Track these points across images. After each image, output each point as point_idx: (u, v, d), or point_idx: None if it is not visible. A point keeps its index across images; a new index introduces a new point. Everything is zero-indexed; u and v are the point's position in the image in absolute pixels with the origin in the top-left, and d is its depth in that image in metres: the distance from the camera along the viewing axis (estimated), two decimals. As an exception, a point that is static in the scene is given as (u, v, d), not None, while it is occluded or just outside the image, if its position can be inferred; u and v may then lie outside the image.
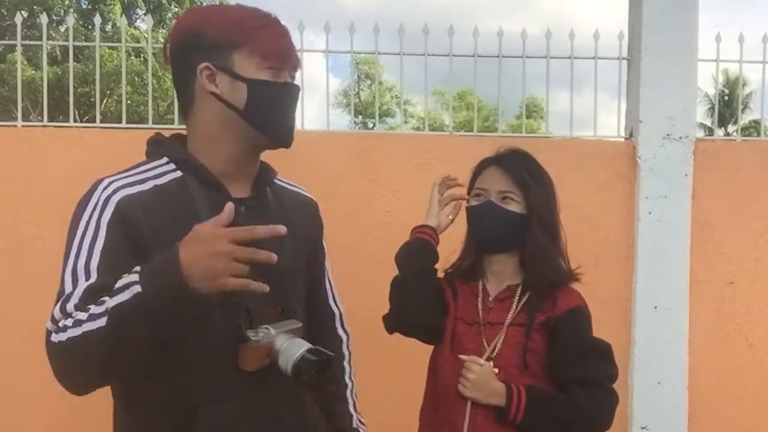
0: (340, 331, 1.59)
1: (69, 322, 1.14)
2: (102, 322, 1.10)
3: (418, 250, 1.77)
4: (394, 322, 1.78)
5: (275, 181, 1.45)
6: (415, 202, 2.71)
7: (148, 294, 1.07)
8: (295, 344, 1.25)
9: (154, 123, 2.78)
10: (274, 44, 1.29)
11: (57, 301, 1.20)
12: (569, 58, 2.84)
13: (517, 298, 1.69)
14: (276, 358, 1.25)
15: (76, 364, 1.15)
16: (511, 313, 1.68)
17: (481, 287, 1.75)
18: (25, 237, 2.57)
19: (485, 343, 1.67)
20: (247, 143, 1.33)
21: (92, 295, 1.16)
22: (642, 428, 2.68)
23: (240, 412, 1.29)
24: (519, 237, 1.68)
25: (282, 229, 1.11)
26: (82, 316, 1.13)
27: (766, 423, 2.80)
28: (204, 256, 1.06)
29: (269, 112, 1.31)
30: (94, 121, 2.75)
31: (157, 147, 1.36)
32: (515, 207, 1.69)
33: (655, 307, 2.73)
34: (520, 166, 1.73)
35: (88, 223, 1.25)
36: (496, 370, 1.62)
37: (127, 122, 2.79)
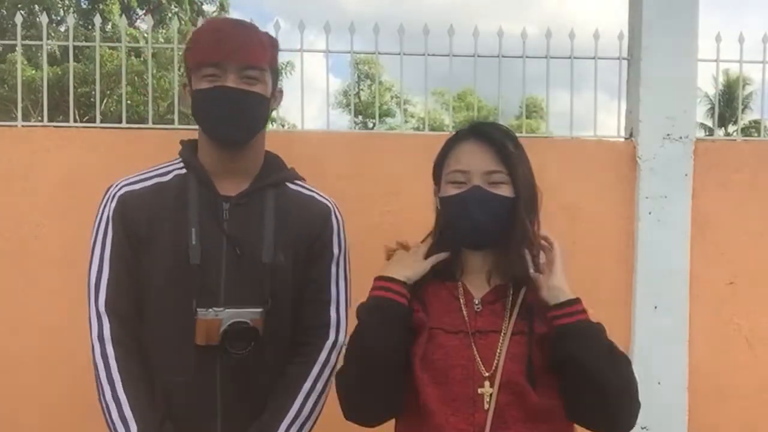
0: (332, 335, 1.58)
1: (98, 351, 1.46)
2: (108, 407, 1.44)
3: (388, 321, 1.37)
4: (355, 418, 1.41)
5: (289, 184, 1.60)
6: (415, 202, 2.70)
7: None
8: (231, 318, 1.43)
9: (154, 123, 2.77)
10: (200, 57, 1.48)
11: (91, 287, 1.49)
12: (569, 58, 2.83)
13: (509, 300, 1.42)
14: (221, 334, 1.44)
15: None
16: (507, 319, 1.40)
17: (461, 288, 1.45)
18: (25, 237, 2.57)
19: (477, 356, 1.36)
20: (207, 143, 1.54)
21: (114, 296, 1.48)
22: (642, 428, 2.68)
23: (192, 385, 1.47)
24: (508, 226, 1.39)
25: None
26: (114, 375, 1.44)
27: (766, 423, 2.80)
28: None
29: (204, 115, 1.51)
30: (94, 121, 2.74)
31: (181, 149, 1.60)
32: (505, 190, 1.40)
33: (655, 307, 2.73)
34: (503, 138, 1.43)
35: (101, 217, 1.52)
36: (491, 391, 1.32)
37: (127, 122, 2.79)
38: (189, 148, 1.59)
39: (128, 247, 1.49)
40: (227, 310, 1.45)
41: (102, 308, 1.46)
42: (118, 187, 1.53)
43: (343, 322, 1.60)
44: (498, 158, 1.40)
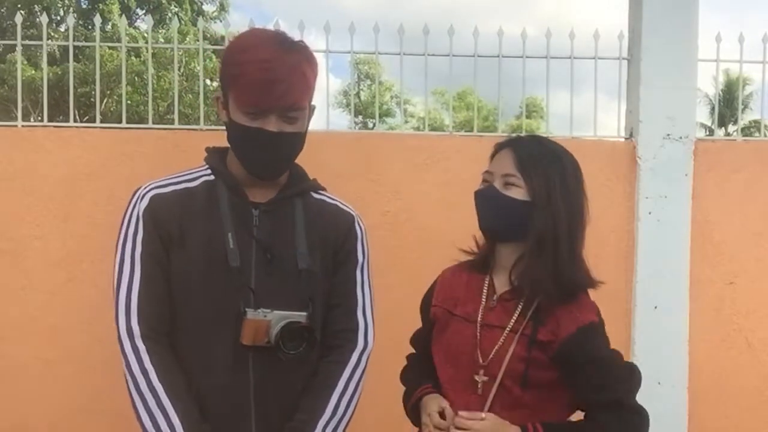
0: (360, 340, 1.60)
1: (127, 346, 1.42)
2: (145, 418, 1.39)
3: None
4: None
5: (313, 194, 1.63)
6: (415, 202, 2.72)
7: None
8: (283, 319, 1.44)
9: (154, 123, 2.78)
10: (250, 93, 1.41)
11: (122, 286, 1.45)
12: (569, 58, 2.84)
13: (522, 302, 1.51)
14: (270, 334, 1.44)
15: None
16: (514, 318, 1.51)
17: (488, 281, 1.59)
18: (25, 237, 2.57)
19: (479, 347, 1.51)
20: (240, 163, 1.52)
21: (147, 309, 1.44)
22: (642, 428, 2.69)
23: (227, 387, 1.46)
24: (525, 227, 1.51)
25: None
26: (150, 384, 1.40)
27: (766, 423, 2.80)
28: None
29: (241, 151, 1.50)
30: (94, 121, 2.74)
31: (206, 155, 1.59)
32: (517, 193, 1.51)
33: (655, 307, 2.73)
34: (529, 148, 1.55)
35: (131, 216, 1.50)
36: (483, 416, 1.45)
37: (127, 122, 2.79)
38: (216, 155, 1.58)
39: (160, 245, 1.47)
40: (275, 311, 1.46)
41: (134, 307, 1.43)
42: (147, 188, 1.52)
43: (370, 327, 1.62)
44: (515, 163, 1.52)
